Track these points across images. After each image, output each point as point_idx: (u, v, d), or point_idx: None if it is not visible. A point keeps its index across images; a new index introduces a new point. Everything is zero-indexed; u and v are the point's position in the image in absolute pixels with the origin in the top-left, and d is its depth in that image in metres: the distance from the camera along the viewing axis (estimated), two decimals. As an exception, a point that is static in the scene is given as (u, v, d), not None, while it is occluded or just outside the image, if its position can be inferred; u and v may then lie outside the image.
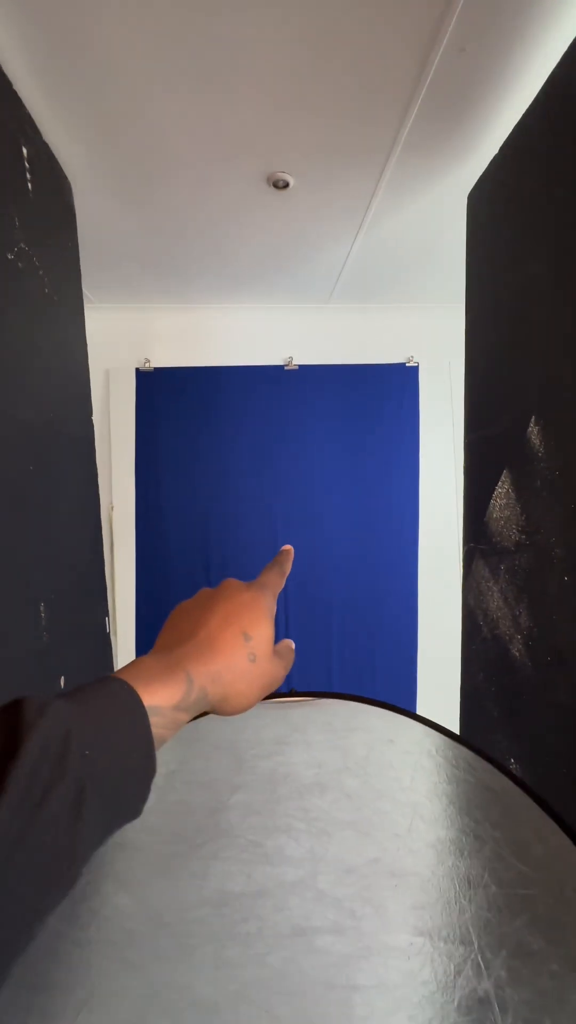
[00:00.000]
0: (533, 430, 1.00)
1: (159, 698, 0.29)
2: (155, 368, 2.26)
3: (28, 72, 0.95)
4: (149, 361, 2.26)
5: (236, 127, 1.13)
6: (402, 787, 0.66)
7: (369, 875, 0.52)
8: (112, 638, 2.31)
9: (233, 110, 1.08)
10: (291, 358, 2.33)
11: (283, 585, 0.43)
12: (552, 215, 0.95)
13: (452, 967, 0.40)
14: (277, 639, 0.41)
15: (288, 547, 0.47)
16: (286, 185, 1.33)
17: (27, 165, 0.96)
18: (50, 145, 1.10)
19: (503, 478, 1.13)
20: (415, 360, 2.37)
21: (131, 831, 0.59)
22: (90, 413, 1.23)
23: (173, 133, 1.14)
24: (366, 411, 2.37)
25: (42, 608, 0.89)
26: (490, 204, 1.22)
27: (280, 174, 1.29)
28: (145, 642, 2.27)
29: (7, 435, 0.82)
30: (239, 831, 0.58)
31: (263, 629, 0.37)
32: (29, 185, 0.96)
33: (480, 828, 0.58)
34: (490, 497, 1.19)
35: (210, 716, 0.89)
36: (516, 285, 1.08)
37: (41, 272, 0.99)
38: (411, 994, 0.39)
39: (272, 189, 1.35)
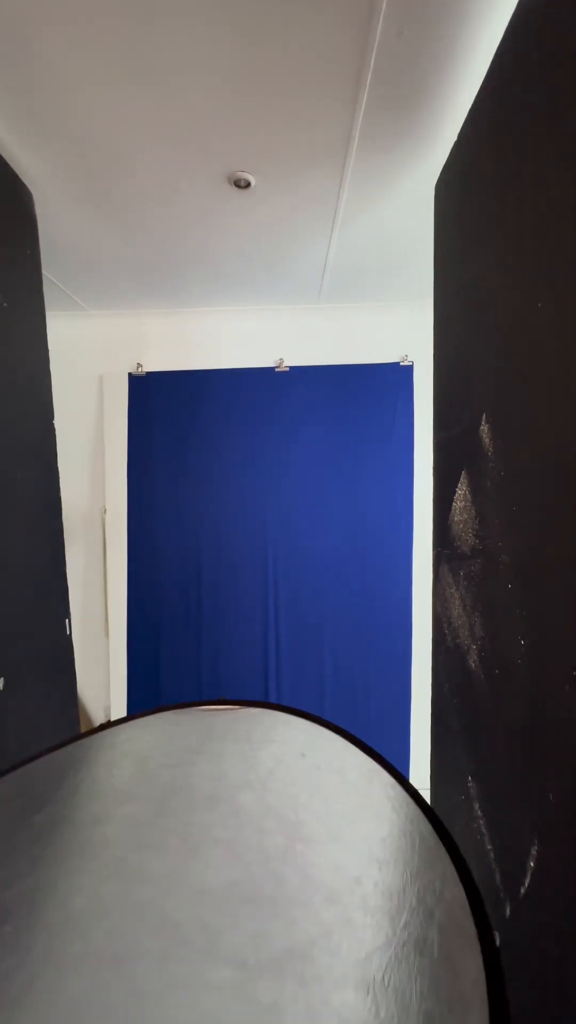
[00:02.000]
0: (484, 428, 0.95)
1: None
2: (147, 372, 2.28)
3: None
4: (141, 366, 2.29)
5: (190, 126, 1.12)
6: (295, 805, 0.63)
7: (221, 899, 0.49)
8: (104, 641, 2.35)
9: (186, 110, 1.08)
10: (282, 359, 2.31)
11: None
12: (507, 203, 0.90)
13: (259, 1010, 0.37)
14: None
15: None
16: (248, 184, 1.31)
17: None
18: (4, 155, 1.12)
19: (461, 480, 1.07)
20: (409, 359, 2.31)
21: (4, 836, 0.58)
22: (51, 418, 1.24)
23: (130, 136, 1.14)
24: (359, 412, 2.32)
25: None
26: (453, 194, 1.17)
27: (240, 173, 1.28)
28: (136, 644, 2.29)
29: None
30: (111, 845, 0.56)
31: None
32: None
33: (363, 855, 0.55)
34: (451, 500, 1.14)
35: (134, 723, 0.88)
36: (473, 277, 1.03)
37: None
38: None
39: (235, 189, 1.34)
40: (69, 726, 1.22)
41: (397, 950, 0.43)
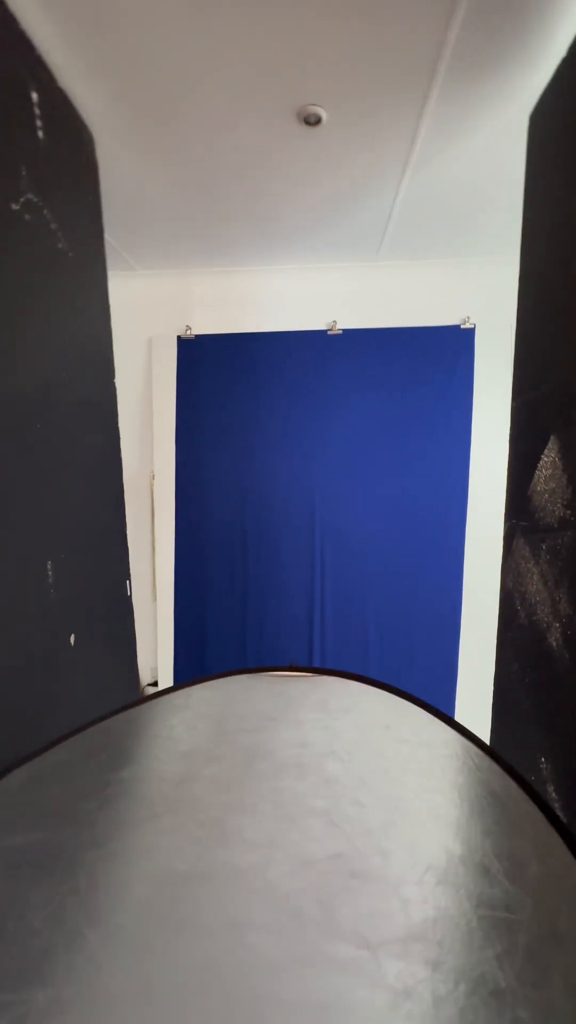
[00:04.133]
0: (585, 388, 0.86)
1: None
2: (196, 335, 2.23)
3: (41, 15, 0.90)
4: (190, 328, 2.23)
5: (260, 56, 1.03)
6: (388, 778, 0.60)
7: (327, 872, 0.46)
8: (152, 604, 2.38)
9: (256, 37, 0.98)
10: (335, 322, 2.21)
11: None
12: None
13: (392, 995, 0.34)
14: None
15: None
16: (318, 120, 1.21)
17: (37, 112, 0.92)
18: (67, 92, 1.06)
19: (550, 445, 0.99)
20: (471, 321, 2.17)
21: (89, 797, 0.57)
22: (112, 377, 1.22)
23: (195, 70, 1.06)
24: (415, 378, 2.21)
25: (49, 566, 0.89)
26: (553, 125, 1.04)
27: (311, 107, 1.18)
28: (182, 608, 2.32)
29: (7, 391, 0.82)
30: (202, 806, 0.55)
31: None
32: (40, 133, 0.93)
33: (470, 834, 0.51)
34: (535, 468, 1.05)
35: (204, 685, 0.86)
36: (573, 218, 0.92)
37: (54, 226, 0.96)
38: (335, 1018, 0.33)
39: (304, 126, 1.23)
40: (130, 684, 1.23)
41: (530, 942, 0.39)
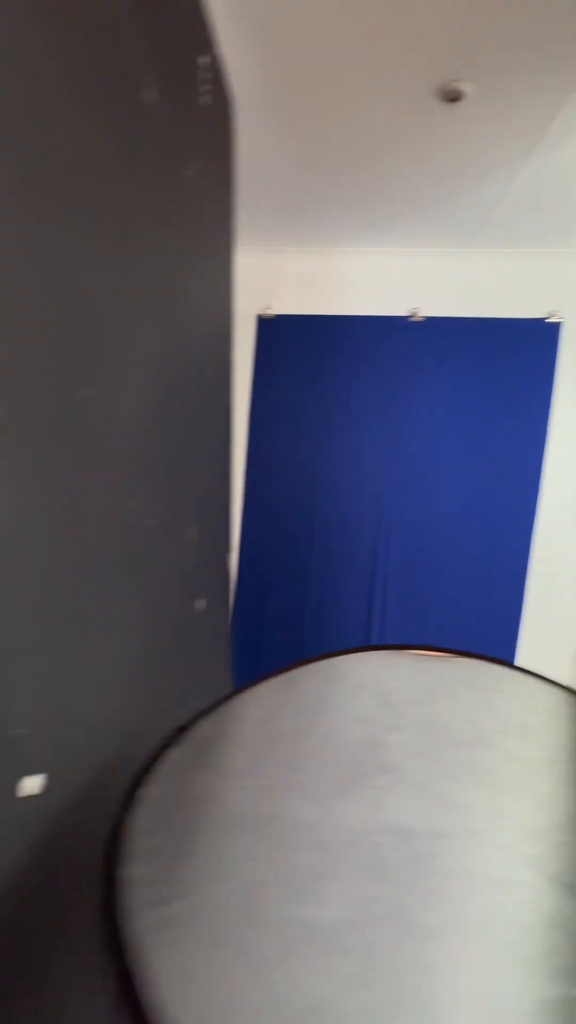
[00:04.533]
0: None
1: None
2: (276, 315, 2.22)
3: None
4: (271, 307, 2.23)
5: (406, 26, 1.00)
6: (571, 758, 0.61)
7: (561, 842, 0.47)
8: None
9: (405, 7, 0.96)
10: (417, 309, 2.18)
11: None
12: None
13: None
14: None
15: None
16: (458, 98, 1.18)
17: (205, 76, 0.92)
18: (222, 58, 1.05)
19: None
20: (559, 316, 2.12)
21: (290, 748, 0.59)
22: (231, 350, 1.23)
23: (339, 38, 1.04)
24: (494, 371, 2.17)
25: (193, 533, 0.92)
26: None
27: (455, 83, 1.15)
28: (244, 587, 2.34)
29: (162, 360, 0.83)
30: (402, 771, 0.56)
31: None
32: (207, 99, 0.93)
33: None
34: None
35: (347, 657, 0.88)
36: None
37: (210, 195, 0.97)
38: None
39: (442, 103, 1.21)
40: (227, 651, 1.27)
41: None
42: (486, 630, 2.24)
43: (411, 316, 2.19)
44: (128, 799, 0.47)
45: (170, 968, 0.31)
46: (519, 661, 2.23)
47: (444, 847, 0.46)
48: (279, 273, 2.23)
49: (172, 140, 0.79)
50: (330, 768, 0.56)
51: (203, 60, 0.93)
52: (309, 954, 0.33)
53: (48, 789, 0.46)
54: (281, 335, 2.22)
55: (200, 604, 0.98)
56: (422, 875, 0.43)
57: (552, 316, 2.13)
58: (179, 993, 0.29)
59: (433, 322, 2.18)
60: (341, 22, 1.00)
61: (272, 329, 2.22)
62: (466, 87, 1.16)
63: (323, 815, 0.48)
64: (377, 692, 0.75)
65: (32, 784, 0.44)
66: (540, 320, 2.15)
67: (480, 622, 2.24)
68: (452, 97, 1.19)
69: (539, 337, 2.16)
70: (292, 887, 0.39)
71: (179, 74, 0.85)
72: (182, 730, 0.60)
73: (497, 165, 1.43)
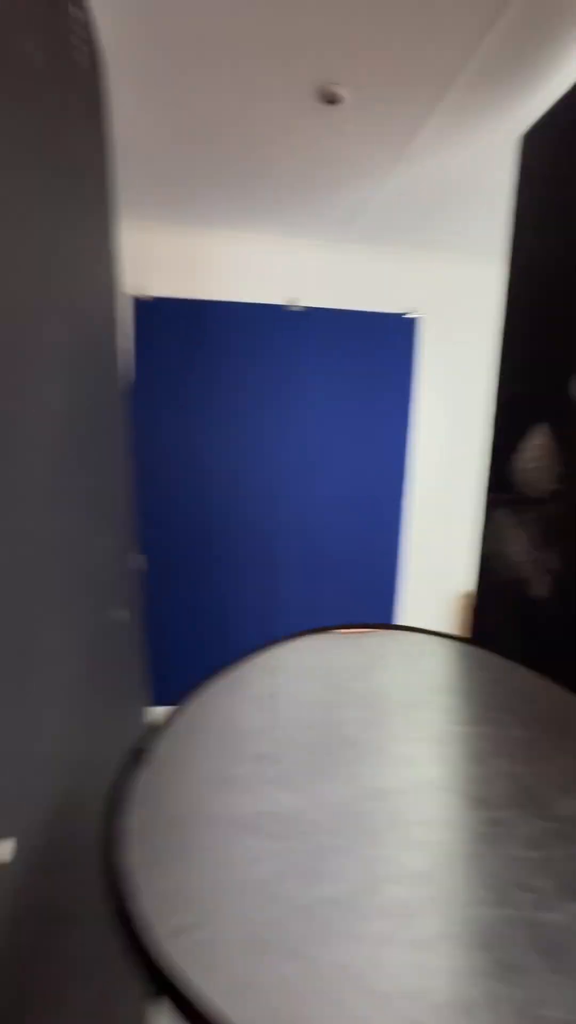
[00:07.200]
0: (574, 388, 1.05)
1: None
2: (154, 298, 2.10)
3: None
4: (148, 290, 2.10)
5: (291, 26, 1.02)
6: (498, 707, 0.72)
7: (506, 788, 0.56)
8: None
9: (290, 9, 0.97)
10: (296, 299, 2.24)
11: None
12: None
13: None
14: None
15: None
16: (335, 100, 1.23)
17: (71, 29, 0.82)
18: (91, 11, 0.95)
19: (541, 432, 1.18)
20: (416, 312, 2.36)
21: (258, 743, 0.60)
22: (115, 333, 1.14)
23: (223, 28, 1.01)
24: (365, 359, 2.35)
25: (109, 540, 0.85)
26: (548, 148, 1.20)
27: (332, 87, 1.20)
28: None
29: (58, 360, 0.75)
30: (363, 741, 0.61)
31: None
32: (74, 55, 0.83)
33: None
34: (514, 451, 1.24)
35: (283, 647, 0.90)
36: (562, 242, 1.09)
37: (78, 159, 0.87)
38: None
39: (320, 104, 1.25)
40: (143, 659, 1.21)
41: None
42: (371, 596, 2.47)
43: (290, 305, 2.24)
44: (109, 837, 0.44)
45: (228, 986, 0.31)
46: (403, 618, 2.51)
47: (412, 800, 0.52)
48: (159, 254, 2.11)
49: (50, 99, 0.70)
50: (302, 754, 0.58)
51: (74, 11, 0.83)
52: (343, 926, 0.36)
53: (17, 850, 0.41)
54: (159, 318, 2.12)
55: (119, 615, 0.92)
56: (403, 827, 0.48)
57: (410, 312, 2.36)
58: (249, 1006, 0.30)
59: (312, 312, 2.27)
60: (224, 10, 0.97)
61: (150, 312, 2.10)
62: (343, 91, 1.21)
63: (308, 800, 0.50)
64: (320, 675, 0.79)
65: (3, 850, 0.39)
66: (400, 315, 2.37)
67: (366, 588, 2.46)
68: (330, 99, 1.23)
69: (400, 331, 2.38)
70: (304, 873, 0.41)
71: (52, 23, 0.75)
72: (139, 752, 0.57)
73: (369, 168, 1.53)
